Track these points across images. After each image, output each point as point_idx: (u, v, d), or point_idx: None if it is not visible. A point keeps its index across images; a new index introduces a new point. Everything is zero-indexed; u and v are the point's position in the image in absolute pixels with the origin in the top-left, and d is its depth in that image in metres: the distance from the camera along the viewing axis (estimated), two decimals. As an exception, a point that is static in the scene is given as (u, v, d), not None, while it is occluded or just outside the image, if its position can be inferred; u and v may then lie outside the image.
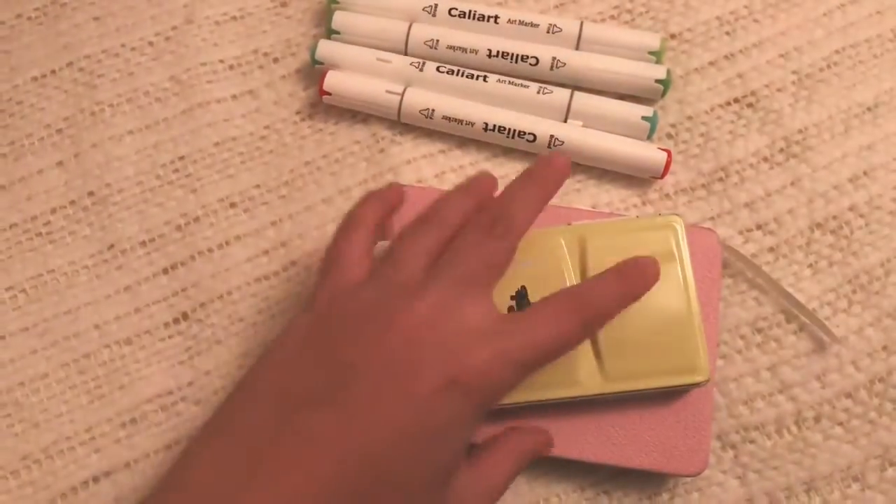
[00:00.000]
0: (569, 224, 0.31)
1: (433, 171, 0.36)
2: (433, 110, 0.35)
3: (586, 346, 0.30)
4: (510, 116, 0.35)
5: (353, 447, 0.23)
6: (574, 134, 0.35)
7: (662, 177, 0.35)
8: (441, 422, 0.24)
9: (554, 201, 0.35)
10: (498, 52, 0.36)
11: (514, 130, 0.35)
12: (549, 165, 0.28)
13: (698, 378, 0.30)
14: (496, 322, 0.26)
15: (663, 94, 0.36)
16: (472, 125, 0.35)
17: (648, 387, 0.30)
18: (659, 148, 0.35)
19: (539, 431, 0.30)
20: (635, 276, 0.27)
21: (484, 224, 0.27)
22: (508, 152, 0.36)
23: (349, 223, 0.29)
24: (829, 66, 0.37)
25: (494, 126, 0.35)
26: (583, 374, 0.30)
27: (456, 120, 0.35)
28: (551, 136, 0.35)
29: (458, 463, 0.26)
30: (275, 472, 0.23)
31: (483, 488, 0.27)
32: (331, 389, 0.24)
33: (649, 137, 0.35)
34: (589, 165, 0.36)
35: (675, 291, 0.30)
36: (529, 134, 0.35)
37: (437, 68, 0.36)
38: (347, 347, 0.25)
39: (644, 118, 0.35)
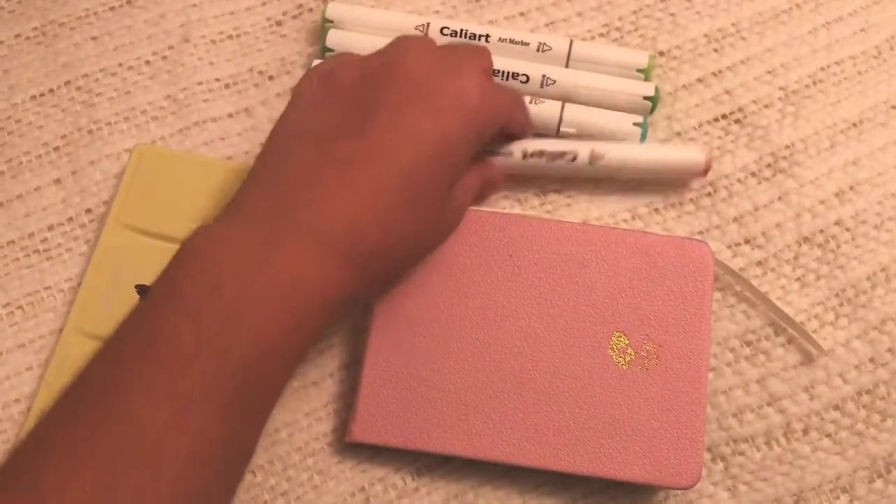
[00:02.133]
0: None
1: (426, 187, 0.37)
2: (425, 127, 0.36)
3: None
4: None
5: (386, 163, 0.27)
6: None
7: (705, 174, 0.35)
8: (454, 136, 0.29)
9: (544, 216, 0.36)
10: (489, 70, 0.36)
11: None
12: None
13: None
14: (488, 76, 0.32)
15: (652, 110, 0.36)
16: (464, 142, 0.36)
17: None
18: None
19: (493, 167, 0.35)
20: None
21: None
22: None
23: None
24: (814, 83, 0.38)
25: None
26: None
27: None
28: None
29: (461, 171, 0.31)
30: (322, 194, 0.27)
31: (468, 190, 0.33)
32: (358, 123, 0.28)
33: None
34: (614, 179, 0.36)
35: None
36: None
37: (430, 86, 0.36)
38: (365, 89, 0.29)
39: (635, 124, 0.35)
